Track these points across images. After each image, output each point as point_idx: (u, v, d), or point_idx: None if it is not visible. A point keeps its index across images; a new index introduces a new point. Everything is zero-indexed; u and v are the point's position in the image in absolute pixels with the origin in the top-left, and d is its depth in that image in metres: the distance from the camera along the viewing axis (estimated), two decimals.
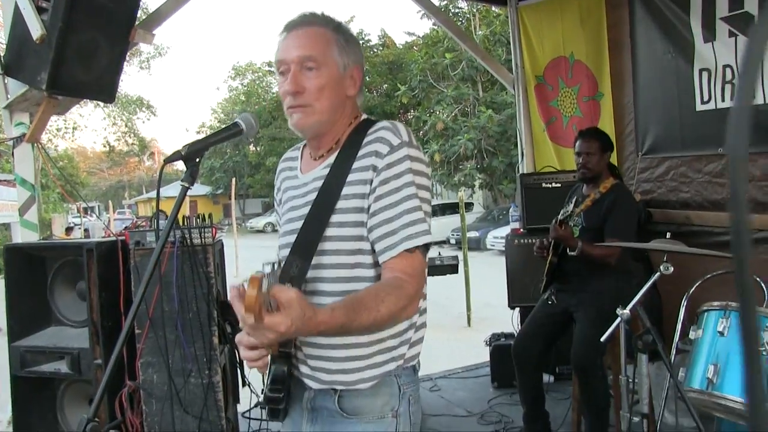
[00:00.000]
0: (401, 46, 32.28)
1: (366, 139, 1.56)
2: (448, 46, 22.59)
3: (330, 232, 1.54)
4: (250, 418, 3.83)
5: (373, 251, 1.54)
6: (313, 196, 1.59)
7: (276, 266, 1.32)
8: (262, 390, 1.63)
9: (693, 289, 3.50)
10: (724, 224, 3.96)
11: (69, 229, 18.24)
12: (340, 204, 1.54)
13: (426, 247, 1.53)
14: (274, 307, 1.22)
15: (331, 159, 1.60)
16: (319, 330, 1.30)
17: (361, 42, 34.98)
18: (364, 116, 1.69)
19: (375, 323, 1.41)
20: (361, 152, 1.55)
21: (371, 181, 1.52)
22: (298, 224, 1.60)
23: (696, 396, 2.41)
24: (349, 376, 1.56)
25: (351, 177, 1.54)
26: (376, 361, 1.56)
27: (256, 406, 3.74)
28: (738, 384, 2.24)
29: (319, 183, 1.59)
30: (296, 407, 1.65)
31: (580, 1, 5.04)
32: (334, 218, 1.54)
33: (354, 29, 39.63)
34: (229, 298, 1.30)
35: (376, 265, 1.55)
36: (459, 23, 23.65)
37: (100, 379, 3.15)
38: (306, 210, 1.60)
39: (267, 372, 1.59)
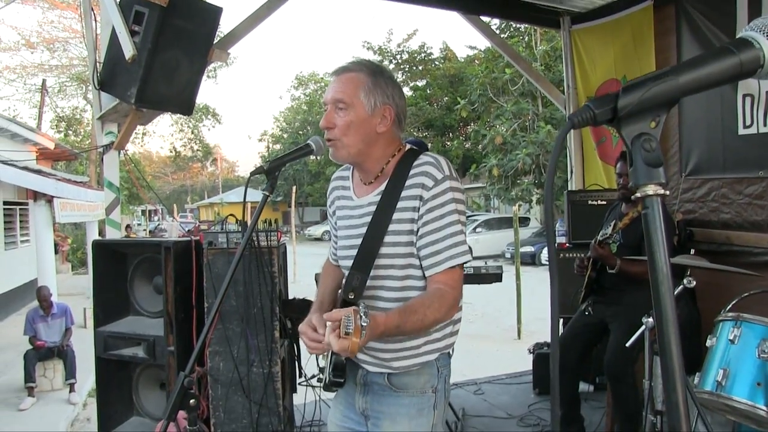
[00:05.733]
0: (462, 60, 32.42)
1: (412, 171, 1.87)
2: (508, 61, 22.56)
3: (384, 250, 1.88)
4: (308, 385, 4.18)
5: (421, 266, 1.87)
6: (368, 219, 1.92)
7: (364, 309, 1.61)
8: (318, 373, 1.96)
9: (730, 306, 3.63)
10: (763, 245, 4.06)
11: (128, 227, 19.42)
12: (392, 227, 1.87)
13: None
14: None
15: (382, 187, 1.92)
16: (380, 331, 1.65)
17: (422, 55, 34.43)
18: (408, 147, 1.99)
19: (423, 325, 1.77)
20: (408, 182, 1.86)
21: (418, 209, 1.84)
22: (357, 242, 1.93)
23: (707, 398, 2.60)
24: (401, 362, 1.91)
25: (400, 204, 1.86)
26: (423, 351, 1.92)
27: (314, 377, 3.98)
28: (745, 387, 2.43)
29: (374, 208, 1.91)
30: (349, 381, 1.99)
31: (632, 26, 5.20)
32: (387, 239, 1.88)
33: (416, 43, 39.85)
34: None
35: (425, 277, 1.89)
36: (521, 38, 23.66)
37: (173, 365, 3.53)
38: (363, 230, 1.92)
39: (325, 356, 1.95)
